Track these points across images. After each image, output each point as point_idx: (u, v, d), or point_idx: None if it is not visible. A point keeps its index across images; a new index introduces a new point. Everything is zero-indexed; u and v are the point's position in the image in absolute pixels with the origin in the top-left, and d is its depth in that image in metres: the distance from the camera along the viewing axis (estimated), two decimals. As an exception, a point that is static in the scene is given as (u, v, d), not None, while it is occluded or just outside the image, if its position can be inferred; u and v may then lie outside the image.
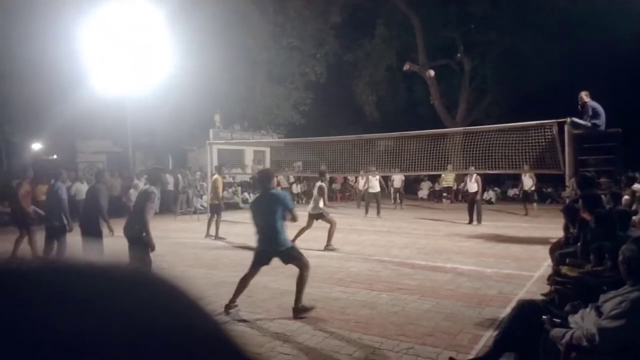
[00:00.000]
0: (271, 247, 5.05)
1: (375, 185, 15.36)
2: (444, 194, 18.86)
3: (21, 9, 13.67)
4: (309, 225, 9.22)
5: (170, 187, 17.05)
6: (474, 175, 12.91)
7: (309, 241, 9.20)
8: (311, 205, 9.42)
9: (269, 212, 5.02)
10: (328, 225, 9.04)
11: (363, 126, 21.70)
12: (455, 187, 19.03)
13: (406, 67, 20.69)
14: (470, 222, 13.02)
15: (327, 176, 9.71)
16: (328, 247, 8.94)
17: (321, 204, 9.19)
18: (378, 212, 14.92)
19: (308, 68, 22.13)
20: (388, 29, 22.56)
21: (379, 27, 22.58)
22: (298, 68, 22.03)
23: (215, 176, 11.03)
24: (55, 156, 20.11)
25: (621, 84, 18.00)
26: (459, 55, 21.93)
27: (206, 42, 17.55)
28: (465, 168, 14.92)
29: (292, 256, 5.10)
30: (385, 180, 16.99)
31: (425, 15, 21.03)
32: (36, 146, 20.12)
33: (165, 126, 18.09)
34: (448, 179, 18.20)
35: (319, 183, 9.43)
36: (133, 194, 12.20)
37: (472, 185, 13.01)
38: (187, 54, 16.87)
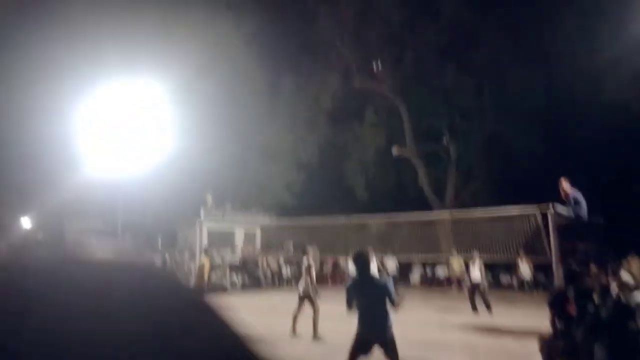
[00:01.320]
0: (376, 334, 4.81)
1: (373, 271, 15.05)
2: (457, 281, 16.74)
3: (16, 90, 14.12)
4: (300, 308, 8.97)
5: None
6: (477, 261, 12.00)
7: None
8: (302, 284, 9.15)
9: (375, 297, 4.86)
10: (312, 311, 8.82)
11: (354, 207, 21.87)
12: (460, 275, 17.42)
13: (395, 151, 21.33)
14: (475, 309, 11.81)
15: (311, 252, 9.49)
16: (316, 337, 8.66)
17: (309, 284, 8.98)
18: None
19: (300, 148, 22.78)
20: (377, 115, 23.64)
21: (368, 113, 23.67)
22: (291, 149, 22.67)
23: (203, 261, 10.90)
24: (40, 236, 19.83)
25: (603, 163, 18.28)
26: (444, 141, 22.77)
27: (200, 122, 18.10)
28: (457, 253, 14.77)
29: (394, 349, 4.82)
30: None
31: (412, 105, 22.12)
32: (26, 224, 19.92)
33: (158, 206, 18.15)
34: (455, 265, 16.51)
35: (305, 262, 9.21)
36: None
37: (477, 274, 11.95)
38: (181, 135, 17.34)
